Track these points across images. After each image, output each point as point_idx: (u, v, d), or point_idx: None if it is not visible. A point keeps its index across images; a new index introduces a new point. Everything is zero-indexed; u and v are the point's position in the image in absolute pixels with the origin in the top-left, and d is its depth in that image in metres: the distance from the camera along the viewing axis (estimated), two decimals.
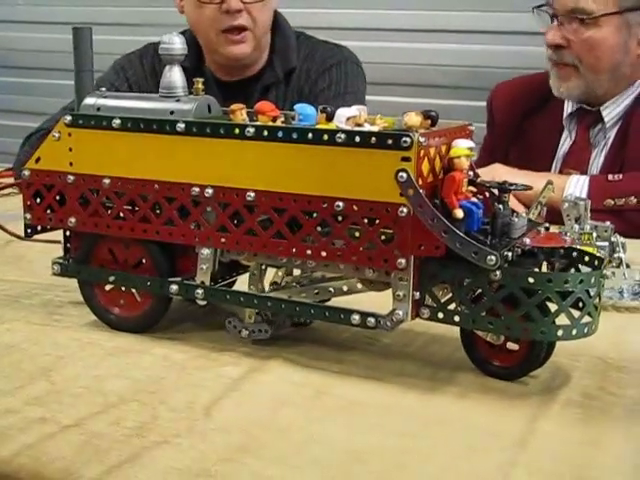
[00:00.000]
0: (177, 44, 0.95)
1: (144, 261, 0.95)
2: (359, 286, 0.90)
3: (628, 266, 1.08)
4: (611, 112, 1.82)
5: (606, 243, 1.03)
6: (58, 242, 1.01)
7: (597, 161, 1.80)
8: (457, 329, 0.86)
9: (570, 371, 0.89)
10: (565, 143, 1.86)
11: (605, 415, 0.80)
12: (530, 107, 1.91)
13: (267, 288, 0.94)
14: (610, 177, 1.61)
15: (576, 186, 1.59)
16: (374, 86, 2.16)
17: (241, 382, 0.85)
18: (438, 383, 0.85)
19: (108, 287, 0.98)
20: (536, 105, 1.91)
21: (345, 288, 0.91)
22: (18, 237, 1.22)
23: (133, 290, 0.96)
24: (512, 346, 0.85)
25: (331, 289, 0.91)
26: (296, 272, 0.95)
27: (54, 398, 0.80)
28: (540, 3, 1.82)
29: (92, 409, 0.78)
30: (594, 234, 1.03)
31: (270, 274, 0.95)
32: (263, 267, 0.94)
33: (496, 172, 1.51)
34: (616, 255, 1.05)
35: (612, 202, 1.51)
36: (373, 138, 0.81)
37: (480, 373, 0.87)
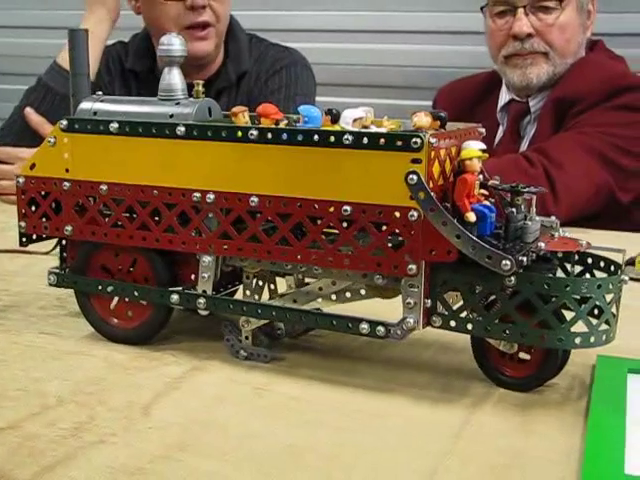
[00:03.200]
0: (176, 45, 0.91)
1: (144, 270, 0.92)
2: (363, 292, 0.87)
3: None
4: (537, 102, 1.86)
5: None
6: (19, 251, 0.98)
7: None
8: (463, 337, 0.83)
9: None
10: (499, 136, 1.90)
11: (541, 405, 0.80)
12: (469, 107, 1.95)
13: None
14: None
15: None
16: (325, 87, 2.17)
17: (182, 381, 0.84)
18: (380, 381, 0.84)
19: (106, 298, 0.94)
20: (474, 104, 1.98)
21: (349, 295, 0.87)
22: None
23: (131, 300, 0.93)
24: (525, 355, 0.82)
25: (333, 296, 0.88)
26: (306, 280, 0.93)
27: None
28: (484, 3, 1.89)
29: (29, 411, 0.77)
30: None
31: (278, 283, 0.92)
32: (267, 275, 0.91)
33: None
34: None
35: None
36: (382, 139, 0.78)
37: (421, 369, 0.87)
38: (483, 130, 0.89)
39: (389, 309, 0.84)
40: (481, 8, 1.91)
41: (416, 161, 0.76)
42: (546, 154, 1.60)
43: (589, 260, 0.87)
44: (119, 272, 0.93)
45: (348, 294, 0.87)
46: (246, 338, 0.89)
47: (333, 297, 0.87)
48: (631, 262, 1.16)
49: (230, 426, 0.75)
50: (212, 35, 1.93)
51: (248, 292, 0.92)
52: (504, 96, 1.95)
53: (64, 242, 0.97)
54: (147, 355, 0.91)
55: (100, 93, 0.96)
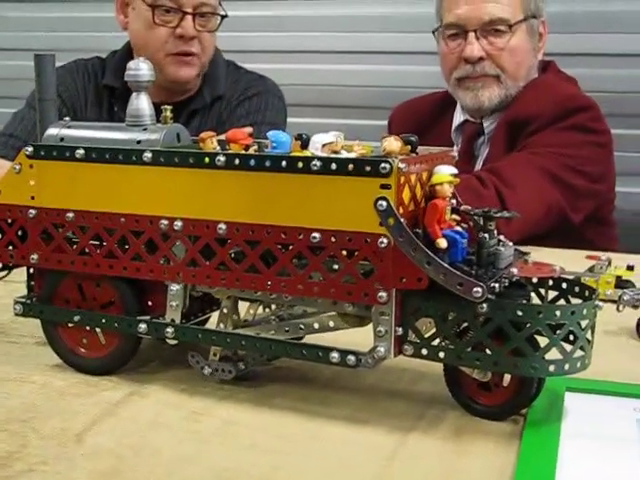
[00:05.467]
0: (144, 70, 0.90)
1: (112, 299, 0.90)
2: (331, 324, 0.85)
3: None
4: (491, 123, 1.87)
5: None
6: None
7: None
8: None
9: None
10: None
11: (478, 427, 0.79)
12: (422, 126, 1.94)
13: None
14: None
15: None
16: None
17: (118, 406, 0.84)
18: (316, 405, 0.84)
19: (73, 328, 0.92)
20: (428, 124, 1.98)
21: (317, 325, 0.86)
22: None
23: (99, 330, 0.91)
24: (500, 383, 0.81)
25: (302, 326, 0.86)
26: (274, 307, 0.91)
27: None
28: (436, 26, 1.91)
29: None
30: None
31: (244, 309, 0.90)
32: (237, 303, 0.89)
33: None
34: None
35: None
36: (350, 165, 0.76)
37: (360, 392, 0.87)
38: (455, 154, 0.88)
39: (363, 337, 0.82)
40: (433, 32, 1.92)
41: (385, 187, 0.75)
42: (498, 174, 1.60)
43: (564, 285, 0.86)
44: (86, 301, 0.91)
45: (316, 325, 0.85)
46: (214, 355, 0.88)
47: (301, 327, 0.86)
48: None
49: (164, 451, 0.74)
50: (196, 64, 1.94)
51: (222, 320, 0.90)
52: (458, 116, 1.95)
53: (31, 271, 0.95)
54: (86, 381, 0.90)
55: (67, 119, 0.94)
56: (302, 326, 0.86)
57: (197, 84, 2.01)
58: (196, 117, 2.00)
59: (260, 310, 0.92)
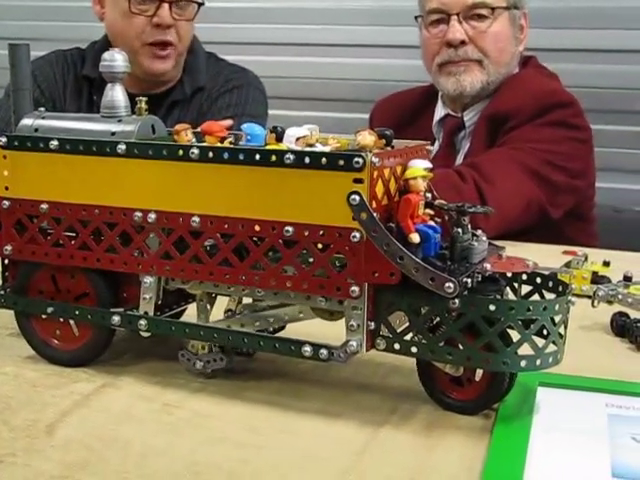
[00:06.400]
0: (119, 61, 0.89)
1: (86, 290, 0.90)
2: (301, 315, 0.85)
3: None
4: (472, 117, 1.88)
5: None
6: None
7: None
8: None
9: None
10: (435, 150, 1.90)
11: (450, 421, 0.79)
12: (403, 121, 1.96)
13: (222, 317, 0.89)
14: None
15: None
16: (270, 100, 2.18)
17: (91, 398, 0.83)
18: (289, 398, 0.84)
19: (47, 319, 0.92)
20: (409, 118, 1.99)
21: (286, 317, 0.86)
22: None
23: (72, 322, 0.91)
24: (472, 378, 0.81)
25: (270, 318, 0.86)
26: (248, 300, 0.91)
27: None
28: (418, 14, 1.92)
29: None
30: None
31: (221, 302, 0.90)
32: (212, 295, 0.89)
33: None
34: None
35: None
36: (324, 159, 0.76)
37: (333, 386, 0.87)
38: (431, 148, 0.88)
39: (337, 331, 0.82)
40: (415, 18, 1.93)
41: (358, 181, 0.75)
42: (478, 169, 1.60)
43: (537, 280, 0.86)
44: (60, 293, 0.91)
45: (287, 317, 0.85)
46: (202, 348, 0.87)
47: (271, 320, 0.86)
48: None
49: (133, 443, 0.74)
50: (172, 55, 1.95)
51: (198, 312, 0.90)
52: (440, 111, 1.96)
53: (5, 261, 0.95)
54: (59, 372, 0.89)
55: (42, 109, 0.94)
56: (271, 319, 0.86)
57: (176, 75, 2.01)
58: (176, 108, 2.00)
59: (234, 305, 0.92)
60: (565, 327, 0.79)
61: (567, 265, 1.21)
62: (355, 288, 0.76)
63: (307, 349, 0.79)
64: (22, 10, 3.02)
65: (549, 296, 0.83)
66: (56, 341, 0.92)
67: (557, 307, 0.77)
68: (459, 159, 1.86)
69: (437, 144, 1.93)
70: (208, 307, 0.89)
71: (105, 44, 1.99)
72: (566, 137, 1.74)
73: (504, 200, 1.55)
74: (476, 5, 1.80)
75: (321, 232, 0.77)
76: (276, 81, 2.66)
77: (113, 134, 0.87)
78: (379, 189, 0.77)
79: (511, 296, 0.85)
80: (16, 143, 0.89)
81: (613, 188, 2.34)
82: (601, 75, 2.44)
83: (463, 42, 1.81)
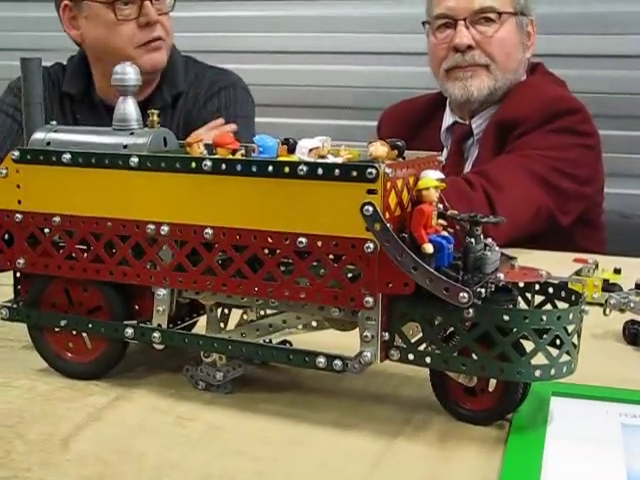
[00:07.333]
0: (130, 74, 0.90)
1: (99, 303, 0.90)
2: (314, 324, 0.85)
3: None
4: (480, 124, 1.87)
5: None
6: None
7: None
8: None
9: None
10: (443, 158, 1.88)
11: (464, 432, 0.79)
12: (412, 128, 1.95)
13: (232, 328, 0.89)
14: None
15: None
16: (277, 108, 2.18)
17: (105, 411, 0.83)
18: (302, 409, 0.84)
19: (60, 332, 0.92)
20: (417, 126, 1.98)
21: (300, 326, 0.86)
22: None
23: (85, 335, 0.91)
24: (486, 388, 0.81)
25: (286, 329, 0.86)
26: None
27: None
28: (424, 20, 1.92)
29: None
30: None
31: (234, 314, 0.90)
32: (225, 312, 0.89)
33: None
34: None
35: None
36: (337, 170, 0.76)
37: (347, 397, 0.87)
38: (442, 159, 0.88)
39: (351, 341, 0.82)
40: (423, 23, 1.93)
41: (372, 192, 0.75)
42: (487, 176, 1.60)
43: (550, 290, 0.86)
44: (73, 306, 0.91)
45: (300, 326, 0.86)
46: (220, 359, 0.87)
47: (286, 330, 0.86)
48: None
49: (149, 456, 0.74)
50: (164, 46, 1.97)
51: (210, 324, 0.90)
52: (448, 118, 1.96)
53: (18, 275, 0.95)
54: (72, 385, 0.89)
55: (54, 123, 0.94)
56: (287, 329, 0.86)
57: (154, 79, 2.01)
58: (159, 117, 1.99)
59: (253, 315, 0.92)
60: (579, 337, 0.79)
61: (578, 273, 1.21)
62: (369, 299, 0.76)
63: (321, 360, 0.79)
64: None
65: (562, 306, 0.83)
66: (69, 354, 0.92)
67: (571, 316, 0.77)
68: (467, 166, 1.86)
69: (445, 151, 1.93)
70: (219, 318, 0.89)
71: (82, 59, 2.00)
72: (574, 144, 1.74)
73: (513, 207, 1.55)
74: (483, 10, 1.81)
75: (334, 243, 0.77)
76: (283, 89, 2.68)
77: (125, 147, 0.88)
78: (392, 200, 0.77)
79: (523, 306, 0.85)
80: (28, 157, 0.90)
81: (621, 194, 2.34)
82: (608, 80, 2.44)
83: (470, 47, 1.81)
